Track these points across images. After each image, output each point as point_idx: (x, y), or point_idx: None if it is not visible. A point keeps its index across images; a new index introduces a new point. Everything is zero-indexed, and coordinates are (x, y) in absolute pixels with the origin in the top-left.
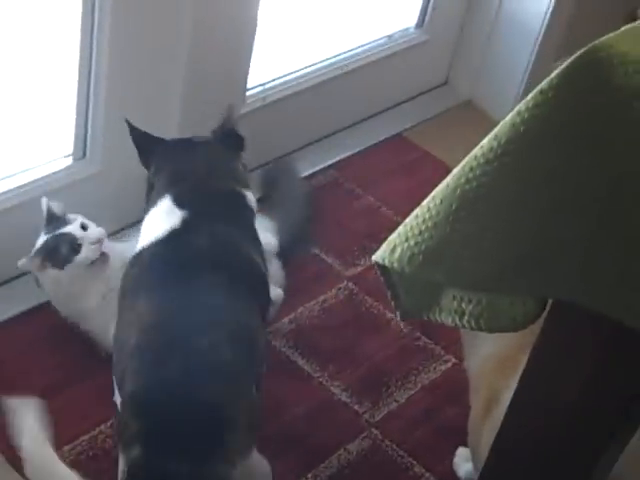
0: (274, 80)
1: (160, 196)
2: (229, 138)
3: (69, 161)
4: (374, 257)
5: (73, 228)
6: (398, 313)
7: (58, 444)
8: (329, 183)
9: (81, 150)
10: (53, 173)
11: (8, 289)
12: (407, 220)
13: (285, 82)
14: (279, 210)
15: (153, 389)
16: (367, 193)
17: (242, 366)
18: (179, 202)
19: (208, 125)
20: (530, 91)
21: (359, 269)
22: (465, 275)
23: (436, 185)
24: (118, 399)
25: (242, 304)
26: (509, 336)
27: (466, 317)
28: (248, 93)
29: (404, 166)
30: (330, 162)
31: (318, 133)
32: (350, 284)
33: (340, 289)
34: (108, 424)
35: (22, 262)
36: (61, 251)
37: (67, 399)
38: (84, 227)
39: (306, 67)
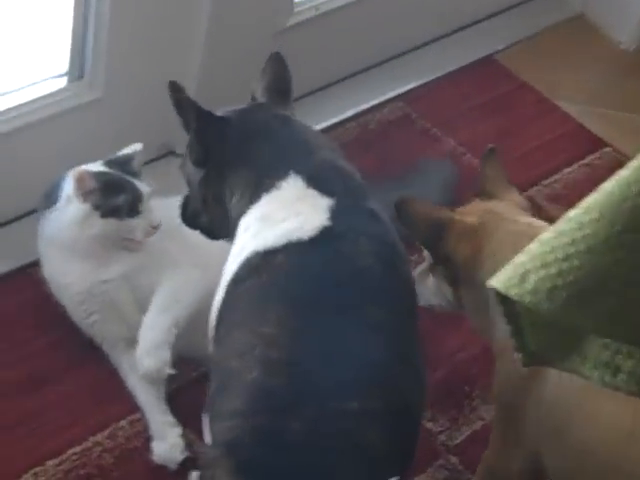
0: None
1: (275, 177)
2: (281, 95)
3: (62, 82)
4: (493, 282)
5: (145, 190)
6: (520, 357)
7: (38, 457)
8: (397, 119)
9: (77, 69)
10: (43, 97)
11: None
12: (544, 236)
13: None
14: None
15: (264, 451)
16: (447, 134)
17: (391, 455)
18: (318, 185)
19: (241, 46)
20: None
21: None
22: (629, 325)
23: (537, 127)
24: (207, 437)
25: (405, 364)
26: None
27: (622, 375)
28: (297, 0)
29: (494, 100)
30: (398, 91)
31: (383, 53)
32: None
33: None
34: (106, 432)
35: (78, 170)
36: (118, 198)
37: (51, 395)
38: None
39: None
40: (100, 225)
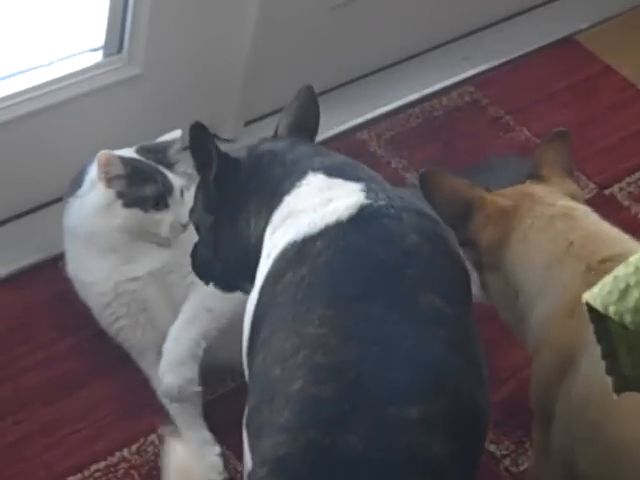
0: None
1: (293, 180)
2: (306, 134)
3: (97, 56)
4: (587, 296)
5: (177, 183)
6: (611, 382)
7: (58, 473)
8: (466, 105)
9: (115, 42)
10: (75, 72)
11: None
12: None
13: None
14: None
15: (317, 470)
16: (520, 123)
17: (456, 470)
18: (341, 175)
19: (296, 22)
20: None
21: None
22: None
23: (622, 116)
24: (247, 454)
25: (467, 362)
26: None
27: None
28: None
29: (575, 85)
30: (467, 74)
31: (451, 31)
32: None
33: None
34: (133, 448)
35: (104, 153)
36: (145, 188)
37: (74, 404)
38: (182, 191)
39: None
40: (123, 215)
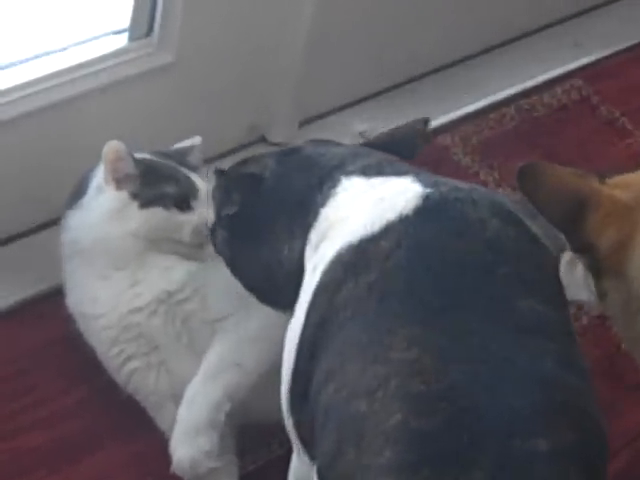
0: None
1: (325, 189)
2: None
3: (122, 40)
4: None
5: (201, 184)
6: None
7: None
8: (573, 104)
9: (143, 24)
10: (95, 59)
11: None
12: None
13: None
14: None
15: None
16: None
17: None
18: (381, 172)
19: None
20: None
21: None
22: None
23: None
24: None
25: (581, 378)
26: None
27: None
28: None
29: None
30: (575, 65)
31: (554, 12)
32: None
33: None
34: None
35: (111, 146)
36: (166, 186)
37: (83, 472)
38: None
39: None
40: (141, 217)
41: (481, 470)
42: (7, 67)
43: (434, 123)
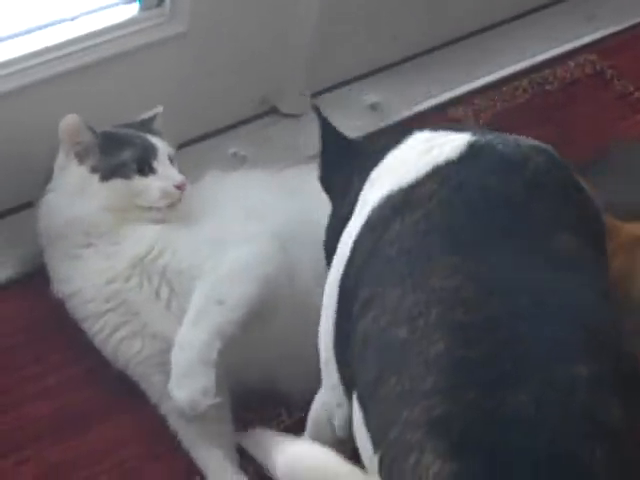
0: None
1: (402, 139)
2: None
3: (133, 9)
4: None
5: (161, 144)
6: None
7: None
8: (587, 78)
9: None
10: (105, 29)
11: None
12: None
13: None
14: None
15: (486, 428)
16: None
17: (627, 432)
18: (450, 129)
19: None
20: None
21: None
22: None
23: None
24: (365, 438)
25: (612, 306)
26: None
27: None
28: None
29: None
30: (589, 38)
31: None
32: None
33: None
34: None
35: (67, 117)
36: (122, 154)
37: (89, 442)
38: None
39: None
40: (103, 192)
41: (526, 394)
42: (15, 36)
43: (447, 96)
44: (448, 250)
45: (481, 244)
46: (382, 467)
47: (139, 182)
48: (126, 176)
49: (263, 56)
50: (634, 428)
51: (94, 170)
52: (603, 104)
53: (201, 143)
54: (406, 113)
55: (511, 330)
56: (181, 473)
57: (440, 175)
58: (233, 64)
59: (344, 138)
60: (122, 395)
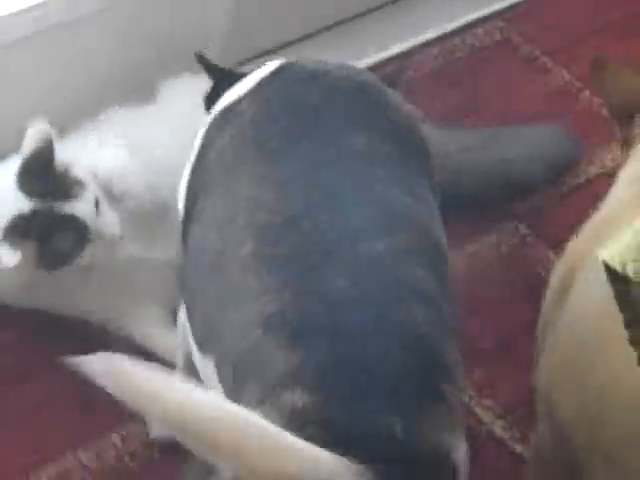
0: None
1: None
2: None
3: None
4: (604, 256)
5: (85, 207)
6: (636, 353)
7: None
8: (494, 44)
9: None
10: (23, 11)
11: None
12: None
13: None
14: None
15: (319, 313)
16: (559, 64)
17: (440, 294)
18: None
19: None
20: None
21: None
22: None
23: None
24: (188, 339)
25: (413, 194)
26: None
27: None
28: None
29: (630, 18)
30: (496, 7)
31: None
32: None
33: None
34: (91, 451)
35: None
36: (59, 245)
37: (16, 399)
38: (97, 202)
39: None
40: (37, 275)
41: (342, 276)
42: None
43: (359, 63)
44: (254, 161)
45: (282, 152)
46: (221, 371)
47: (82, 259)
48: (68, 264)
49: (184, 31)
50: (443, 288)
51: (38, 266)
52: (511, 69)
53: None
54: None
55: (312, 222)
56: (108, 424)
57: (252, 92)
58: (155, 40)
59: (230, 72)
60: (48, 357)
